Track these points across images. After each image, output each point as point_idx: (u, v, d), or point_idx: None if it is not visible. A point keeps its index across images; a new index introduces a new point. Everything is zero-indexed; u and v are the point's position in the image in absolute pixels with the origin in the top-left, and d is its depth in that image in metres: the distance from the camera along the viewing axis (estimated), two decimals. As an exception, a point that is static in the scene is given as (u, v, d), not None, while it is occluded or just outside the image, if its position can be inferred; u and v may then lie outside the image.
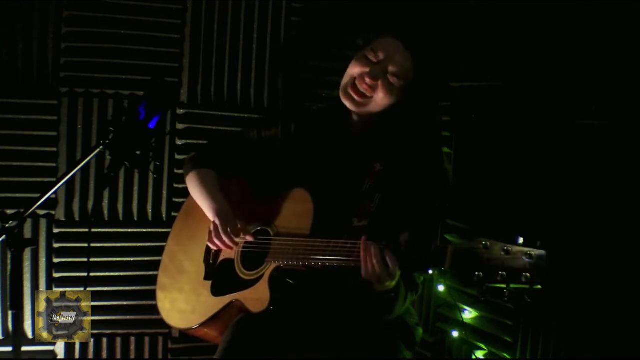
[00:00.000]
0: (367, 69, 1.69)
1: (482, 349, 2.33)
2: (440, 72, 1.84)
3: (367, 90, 1.69)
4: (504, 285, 1.28)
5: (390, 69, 1.67)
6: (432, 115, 1.86)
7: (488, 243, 1.30)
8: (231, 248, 1.81)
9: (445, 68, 2.19)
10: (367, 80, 1.68)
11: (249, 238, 1.79)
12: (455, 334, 2.42)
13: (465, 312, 2.37)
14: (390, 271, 1.46)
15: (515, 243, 1.28)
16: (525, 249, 1.26)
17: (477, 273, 1.29)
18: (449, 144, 2.43)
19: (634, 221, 1.83)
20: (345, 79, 1.74)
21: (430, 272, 2.45)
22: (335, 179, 1.76)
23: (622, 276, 1.84)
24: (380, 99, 1.69)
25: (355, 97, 1.70)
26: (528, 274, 1.24)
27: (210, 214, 1.85)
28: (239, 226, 1.79)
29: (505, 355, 2.22)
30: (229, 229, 1.77)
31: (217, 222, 1.80)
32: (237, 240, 1.80)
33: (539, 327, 2.10)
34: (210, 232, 1.82)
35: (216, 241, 1.80)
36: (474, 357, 2.33)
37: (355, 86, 1.71)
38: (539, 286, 1.25)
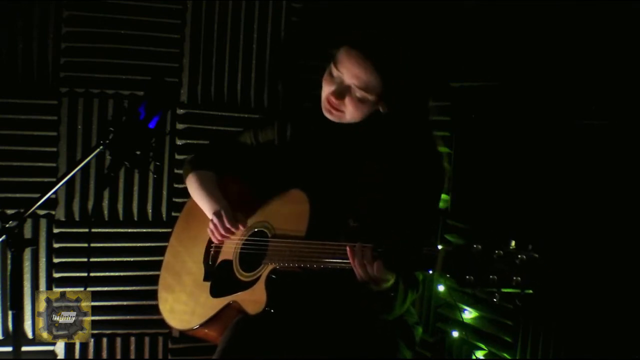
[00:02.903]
0: (332, 87, 1.66)
1: (482, 349, 2.32)
2: (414, 75, 1.74)
3: (338, 106, 1.66)
4: (495, 290, 1.26)
5: (353, 83, 1.62)
6: (421, 116, 1.80)
7: (479, 247, 1.28)
8: (233, 233, 1.81)
9: (423, 71, 2.10)
10: (332, 100, 1.66)
11: (241, 226, 1.80)
12: (455, 334, 2.41)
13: (465, 312, 2.37)
14: (383, 274, 1.46)
15: (507, 247, 1.26)
16: (517, 253, 1.24)
17: (468, 277, 1.28)
18: (449, 144, 2.43)
19: (634, 221, 1.82)
20: (322, 95, 1.71)
21: (431, 271, 2.44)
22: (330, 179, 1.76)
23: (623, 276, 1.84)
24: (351, 113, 1.67)
25: (332, 110, 1.68)
26: (519, 278, 1.23)
27: (210, 215, 1.85)
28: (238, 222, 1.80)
29: (505, 355, 2.22)
30: (225, 217, 1.79)
31: (215, 218, 1.80)
32: (236, 231, 1.80)
33: (539, 327, 2.09)
34: (211, 230, 1.82)
35: (220, 229, 1.80)
36: (474, 357, 2.33)
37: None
38: (530, 291, 1.23)
